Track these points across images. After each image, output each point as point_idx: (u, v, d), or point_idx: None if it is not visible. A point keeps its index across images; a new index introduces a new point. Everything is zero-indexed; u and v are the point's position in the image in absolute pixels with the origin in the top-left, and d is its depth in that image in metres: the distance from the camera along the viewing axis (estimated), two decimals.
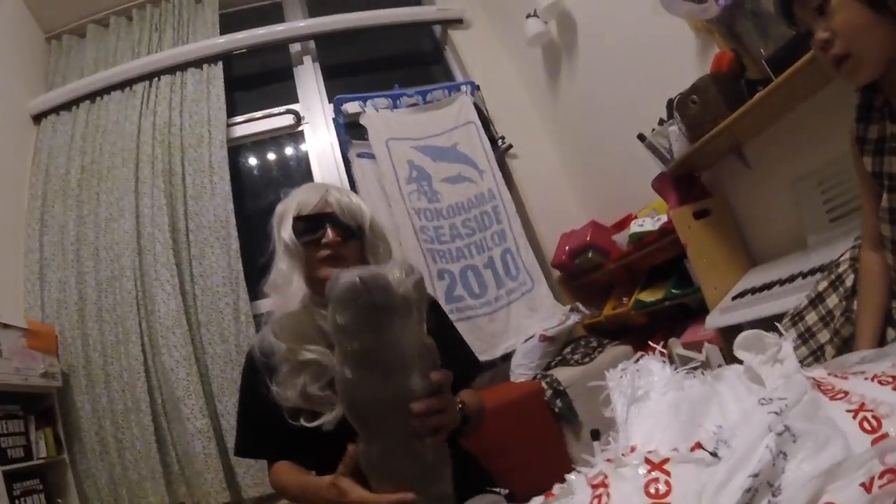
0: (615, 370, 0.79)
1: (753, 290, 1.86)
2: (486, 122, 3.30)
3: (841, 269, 1.30)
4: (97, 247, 2.89)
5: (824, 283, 1.31)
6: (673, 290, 2.33)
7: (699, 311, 2.13)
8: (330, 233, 1.27)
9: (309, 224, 1.28)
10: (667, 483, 0.57)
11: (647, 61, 2.49)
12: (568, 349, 2.75)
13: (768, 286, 1.79)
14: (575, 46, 2.97)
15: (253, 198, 3.36)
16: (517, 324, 2.91)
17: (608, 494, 0.60)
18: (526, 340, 2.77)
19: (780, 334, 0.79)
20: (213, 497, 2.53)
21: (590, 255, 2.81)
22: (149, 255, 2.83)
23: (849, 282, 1.26)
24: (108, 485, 2.59)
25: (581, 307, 2.90)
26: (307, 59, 3.51)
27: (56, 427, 2.52)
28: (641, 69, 2.53)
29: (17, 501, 2.18)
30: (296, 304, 1.28)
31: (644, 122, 2.37)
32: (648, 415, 0.68)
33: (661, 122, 2.29)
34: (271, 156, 3.50)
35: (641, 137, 2.35)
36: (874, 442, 0.53)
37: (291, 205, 1.31)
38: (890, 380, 0.60)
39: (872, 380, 0.62)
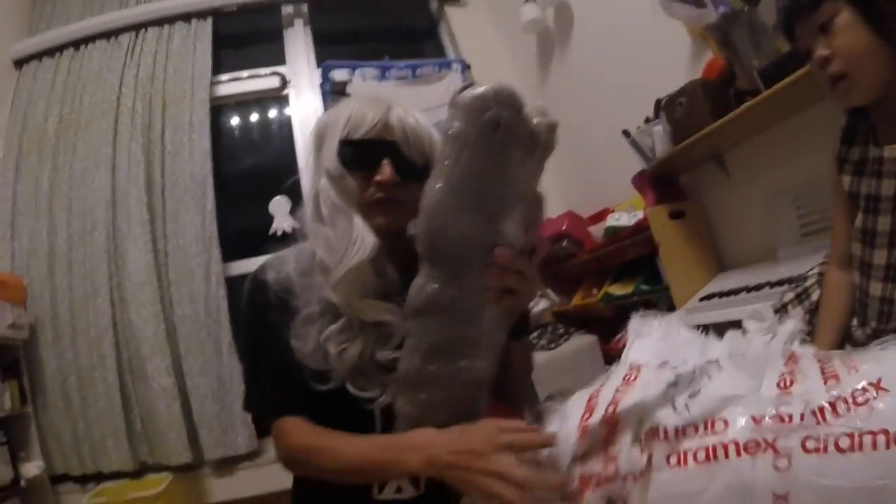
0: (636, 314, 0.92)
1: (721, 294, 1.91)
2: None
3: (808, 284, 1.34)
4: (70, 199, 2.86)
5: (790, 295, 1.35)
6: (642, 286, 2.38)
7: (665, 310, 2.18)
8: (387, 169, 0.96)
9: (360, 152, 0.97)
10: (636, 376, 0.78)
11: (640, 59, 2.49)
12: (535, 335, 2.80)
13: (735, 291, 1.85)
14: (569, 37, 2.96)
15: (232, 159, 3.34)
16: None
17: (606, 380, 0.82)
18: None
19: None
20: (174, 457, 2.56)
21: (564, 243, 2.83)
22: (122, 209, 2.81)
23: (814, 296, 1.30)
24: (71, 441, 2.60)
25: (551, 294, 2.94)
26: (298, 22, 3.48)
27: (21, 380, 2.51)
28: (634, 66, 2.54)
29: None
30: (347, 235, 0.95)
31: (630, 119, 2.38)
32: (644, 344, 0.85)
33: (648, 120, 2.31)
34: (254, 118, 3.48)
35: (626, 133, 2.38)
36: (779, 394, 0.66)
37: (339, 119, 0.99)
38: (826, 361, 0.69)
39: (819, 360, 0.71)
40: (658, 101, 2.21)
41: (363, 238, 0.94)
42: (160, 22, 3.18)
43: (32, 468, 2.42)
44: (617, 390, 0.77)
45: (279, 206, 2.99)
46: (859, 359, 0.67)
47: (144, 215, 2.77)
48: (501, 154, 0.78)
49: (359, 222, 0.96)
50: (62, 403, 2.62)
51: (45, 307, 2.71)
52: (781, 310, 1.33)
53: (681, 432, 0.69)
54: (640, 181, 2.39)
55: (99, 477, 2.57)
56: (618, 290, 2.54)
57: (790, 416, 0.62)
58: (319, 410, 0.95)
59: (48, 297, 2.72)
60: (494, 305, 0.82)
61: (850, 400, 0.60)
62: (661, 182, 2.33)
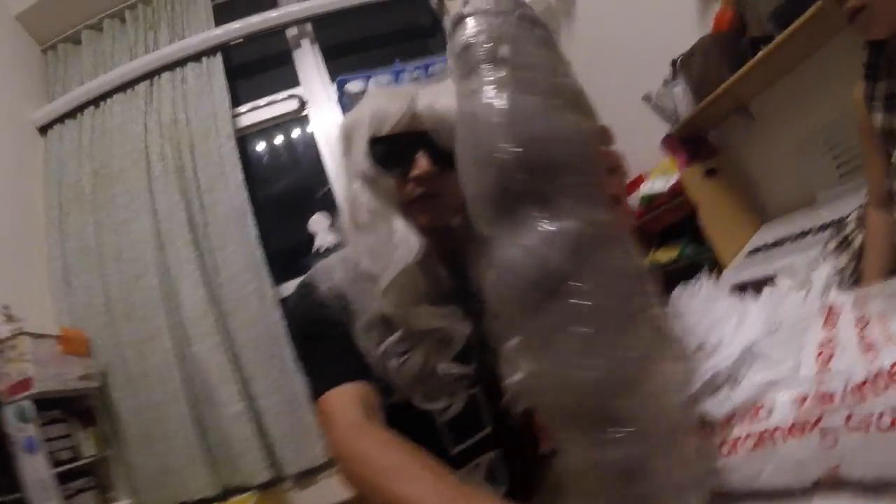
0: (678, 288, 0.91)
1: (765, 247, 1.87)
2: None
3: (848, 230, 1.31)
4: (118, 248, 2.96)
5: (833, 244, 1.33)
6: (687, 250, 2.35)
7: (713, 270, 2.15)
8: (423, 162, 0.88)
9: (391, 148, 0.89)
10: None
11: (647, 22, 2.45)
12: None
13: (780, 243, 1.81)
14: (573, 10, 2.92)
15: (265, 184, 3.41)
16: None
17: None
18: None
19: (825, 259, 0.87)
20: (255, 477, 2.65)
21: None
22: (170, 250, 2.90)
23: (857, 242, 1.27)
24: (155, 475, 2.70)
25: None
26: (305, 42, 3.52)
27: (99, 425, 2.63)
28: (642, 30, 2.49)
29: (69, 501, 2.28)
30: (389, 240, 0.88)
31: (649, 83, 2.34)
32: (679, 326, 0.83)
33: (666, 82, 2.27)
34: (279, 141, 3.54)
35: (647, 98, 2.34)
36: (819, 372, 0.64)
37: (363, 118, 0.90)
38: (862, 322, 0.67)
39: (857, 322, 0.68)
40: (673, 62, 2.17)
41: (407, 240, 0.87)
42: (172, 66, 3.26)
43: None
44: None
45: (319, 223, 3.06)
46: (892, 320, 0.66)
47: (192, 253, 2.87)
48: (551, 47, 0.70)
49: (399, 224, 0.88)
50: (142, 441, 2.74)
51: (111, 354, 2.83)
52: (826, 258, 1.30)
53: (727, 421, 0.70)
54: (669, 144, 2.35)
55: None
56: (663, 256, 2.50)
57: (831, 395, 0.61)
58: (386, 411, 0.82)
59: (112, 344, 2.84)
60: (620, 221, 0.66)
61: (887, 376, 0.60)
62: (689, 142, 2.29)
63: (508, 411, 0.75)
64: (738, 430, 0.69)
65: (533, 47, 0.67)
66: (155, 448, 2.72)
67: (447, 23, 0.73)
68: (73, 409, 2.54)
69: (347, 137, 0.94)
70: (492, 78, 0.64)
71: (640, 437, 0.59)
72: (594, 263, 0.59)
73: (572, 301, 0.57)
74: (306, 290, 0.93)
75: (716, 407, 0.71)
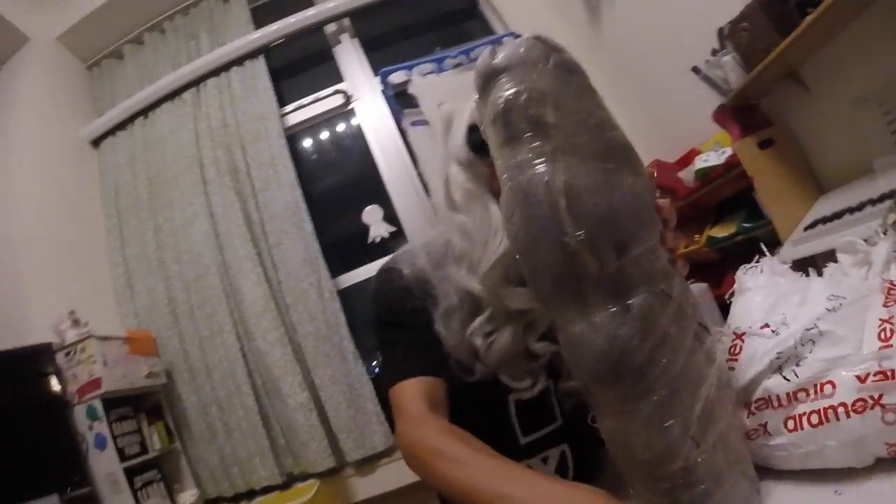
0: (744, 267, 0.92)
1: (824, 220, 1.82)
2: None
3: None
4: (178, 250, 3.08)
5: (893, 216, 1.29)
6: (744, 224, 2.29)
7: (771, 245, 2.10)
8: None
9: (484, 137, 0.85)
10: (740, 347, 0.79)
11: None
12: None
13: (838, 215, 1.75)
14: None
15: (317, 179, 3.48)
16: None
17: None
18: None
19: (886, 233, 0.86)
20: (319, 464, 2.74)
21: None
22: (229, 250, 3.00)
23: None
24: (220, 465, 2.83)
25: None
26: (345, 38, 3.55)
27: (166, 420, 2.76)
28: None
29: (138, 493, 2.41)
30: (487, 224, 0.89)
31: (697, 55, 2.30)
32: (745, 303, 0.87)
33: (714, 52, 2.22)
34: (327, 136, 3.59)
35: (696, 70, 2.30)
36: (881, 348, 0.65)
37: (467, 105, 0.92)
38: None
39: None
40: (720, 31, 2.12)
41: (486, 218, 0.89)
42: (216, 72, 3.34)
43: (188, 497, 2.68)
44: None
45: (372, 214, 3.12)
46: None
47: (250, 251, 2.96)
48: (592, 95, 0.68)
49: (496, 209, 0.88)
50: (207, 433, 2.86)
51: (177, 351, 2.95)
52: (889, 231, 1.26)
53: (792, 397, 0.71)
54: (721, 116, 2.30)
55: (251, 494, 2.80)
56: (720, 231, 2.46)
57: (893, 372, 0.63)
58: (456, 398, 0.89)
59: (177, 342, 2.96)
60: (680, 276, 0.66)
61: None
62: (742, 113, 2.23)
63: (581, 407, 0.74)
64: (803, 407, 0.71)
65: (575, 101, 0.65)
66: (219, 440, 2.83)
67: (476, 75, 0.70)
68: (140, 405, 2.68)
69: (447, 121, 0.96)
70: (540, 148, 0.61)
71: (710, 481, 0.60)
72: (663, 330, 0.59)
73: (645, 373, 0.58)
74: (388, 275, 0.97)
75: (781, 385, 0.72)
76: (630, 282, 0.60)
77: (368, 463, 2.83)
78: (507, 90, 0.64)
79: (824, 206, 1.95)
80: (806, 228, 1.90)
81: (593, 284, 0.59)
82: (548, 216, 0.59)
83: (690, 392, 0.61)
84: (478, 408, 0.88)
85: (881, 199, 1.59)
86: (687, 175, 2.50)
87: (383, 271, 0.99)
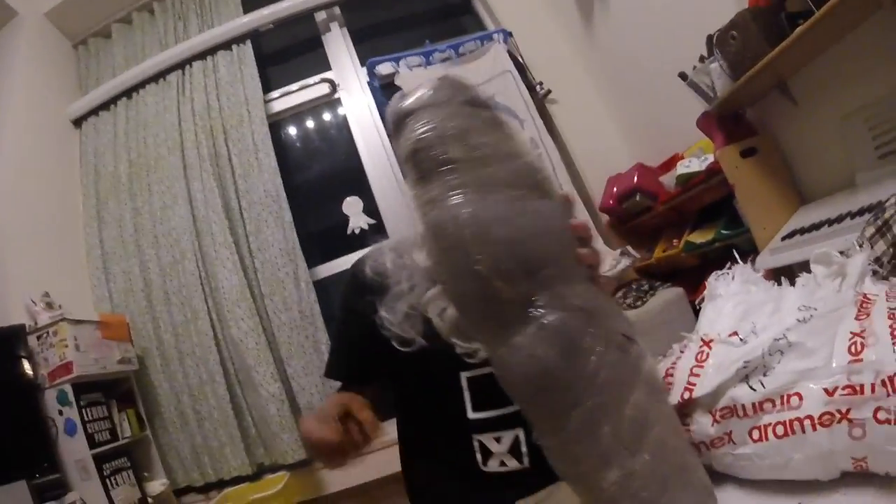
0: (715, 273, 0.93)
1: (802, 231, 1.83)
2: (522, 70, 3.25)
3: (888, 215, 1.27)
4: (156, 234, 3.04)
5: (871, 230, 1.29)
6: (723, 231, 2.31)
7: (749, 252, 2.11)
8: None
9: None
10: (707, 354, 0.79)
11: None
12: (619, 294, 2.77)
13: (816, 226, 1.76)
14: None
15: (299, 169, 3.45)
16: None
17: (682, 352, 0.84)
18: None
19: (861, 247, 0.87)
20: (289, 455, 2.72)
21: (637, 198, 2.77)
22: (206, 236, 2.96)
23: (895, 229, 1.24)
24: (191, 454, 2.80)
25: (631, 251, 2.88)
26: (334, 26, 3.52)
27: (137, 407, 2.72)
28: (678, 5, 2.44)
29: (107, 481, 2.37)
30: None
31: (685, 61, 2.29)
32: (715, 309, 0.88)
33: (702, 59, 2.21)
34: (311, 125, 3.56)
35: (683, 76, 2.29)
36: (850, 362, 0.65)
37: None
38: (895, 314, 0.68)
39: (889, 314, 0.69)
40: (710, 38, 2.11)
41: None
42: (203, 55, 3.30)
43: (157, 486, 2.64)
44: (691, 372, 0.79)
45: (353, 206, 3.09)
46: None
47: (228, 238, 2.92)
48: (498, 127, 0.72)
49: None
50: (178, 421, 2.83)
51: (150, 337, 2.92)
52: (864, 245, 1.26)
53: (758, 407, 0.71)
54: (706, 123, 2.30)
55: (220, 484, 2.77)
56: (699, 237, 2.47)
57: (861, 387, 0.62)
58: (408, 374, 1.00)
59: (151, 327, 2.92)
60: (599, 290, 0.69)
61: None
62: (727, 120, 2.24)
63: None
64: (769, 418, 0.70)
65: (483, 135, 0.68)
66: (190, 428, 2.80)
67: (387, 119, 0.73)
68: (112, 391, 2.64)
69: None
70: (450, 183, 0.64)
71: (654, 487, 0.61)
72: (581, 345, 0.61)
73: (568, 387, 0.60)
74: (353, 270, 1.08)
75: (747, 395, 0.72)
76: (546, 300, 0.61)
77: None
78: (415, 132, 0.67)
79: (804, 217, 1.96)
80: (784, 238, 1.91)
81: (509, 307, 0.61)
82: (457, 248, 0.62)
83: (618, 401, 0.61)
84: (426, 379, 0.98)
85: (861, 212, 1.60)
86: (669, 180, 2.52)
87: (352, 268, 1.09)
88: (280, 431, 2.73)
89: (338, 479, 2.78)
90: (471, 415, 0.97)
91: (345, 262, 3.09)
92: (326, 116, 3.53)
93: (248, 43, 3.30)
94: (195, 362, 2.85)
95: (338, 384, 1.11)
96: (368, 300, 1.00)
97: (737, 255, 0.94)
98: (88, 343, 2.52)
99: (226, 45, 3.30)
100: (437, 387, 0.99)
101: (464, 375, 0.98)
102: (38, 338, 2.46)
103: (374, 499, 2.58)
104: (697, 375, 0.76)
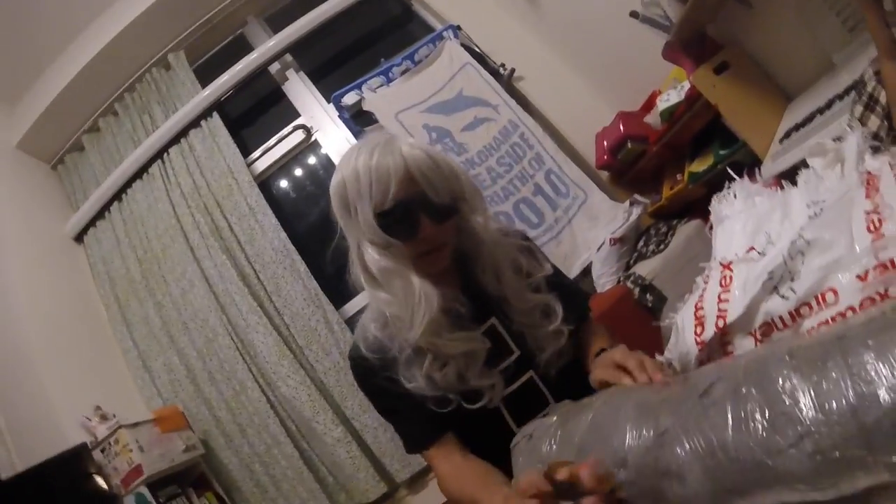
0: (716, 196, 0.93)
1: (797, 127, 1.81)
2: (481, 58, 3.25)
3: (870, 88, 1.25)
4: (184, 321, 3.07)
5: (859, 108, 1.27)
6: (721, 152, 2.28)
7: (753, 165, 2.09)
8: (427, 227, 1.00)
9: (397, 218, 1.00)
10: (730, 277, 0.79)
11: None
12: (641, 243, 2.76)
13: (809, 119, 1.75)
14: None
15: (300, 216, 3.48)
16: (583, 237, 2.92)
17: (706, 283, 0.85)
18: (598, 249, 2.79)
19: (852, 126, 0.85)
20: (371, 493, 2.73)
21: (629, 145, 2.76)
22: (231, 308, 2.99)
23: (883, 99, 1.22)
24: None
25: (639, 198, 2.88)
26: (290, 73, 3.54)
27: (214, 488, 2.74)
28: None
29: None
30: (411, 297, 1.02)
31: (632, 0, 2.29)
32: (725, 231, 0.87)
33: None
34: (299, 173, 3.59)
35: (634, 14, 2.30)
36: (874, 241, 0.63)
37: (362, 188, 0.99)
38: None
39: None
40: None
41: (426, 297, 1.01)
42: (176, 139, 3.33)
43: None
44: (719, 299, 0.78)
45: None
46: None
47: (252, 303, 2.94)
48: None
49: (416, 281, 1.02)
50: (257, 491, 2.84)
51: (207, 419, 2.95)
52: (855, 124, 1.25)
53: (796, 315, 0.70)
54: (671, 52, 2.29)
55: None
56: (700, 166, 2.45)
57: (892, 261, 0.61)
58: (459, 428, 1.09)
59: (205, 409, 2.95)
60: None
61: None
62: (691, 44, 2.22)
63: (565, 381, 0.94)
64: (809, 322, 0.68)
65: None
66: (270, 494, 2.81)
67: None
68: (186, 479, 2.66)
69: (345, 202, 1.04)
70: None
71: None
72: None
73: None
74: (354, 363, 1.14)
75: (780, 305, 0.70)
76: None
77: (419, 479, 2.82)
78: None
79: (795, 114, 1.95)
80: (781, 140, 1.89)
81: None
82: None
83: None
84: (480, 426, 1.07)
85: (847, 91, 1.59)
86: (653, 119, 2.51)
87: (350, 360, 1.15)
88: (355, 472, 2.74)
89: (423, 500, 2.80)
90: (517, 430, 1.00)
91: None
92: (311, 160, 3.55)
93: (215, 114, 3.32)
94: (256, 430, 2.87)
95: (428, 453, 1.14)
96: (384, 377, 1.06)
97: (731, 173, 0.93)
98: (150, 441, 2.55)
99: (194, 123, 3.33)
100: (482, 421, 1.06)
101: (502, 406, 1.08)
102: (102, 451, 2.49)
103: None
104: (726, 301, 0.76)
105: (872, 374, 0.46)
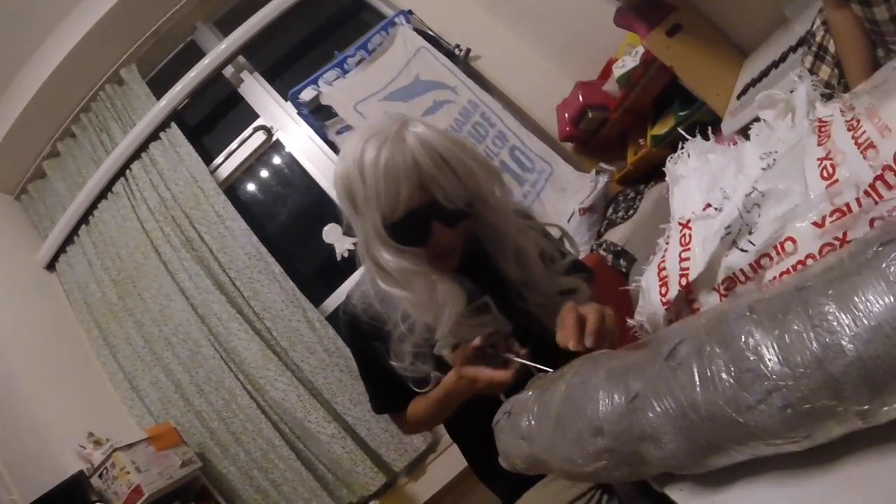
0: (670, 158, 0.94)
1: (753, 83, 1.83)
2: (435, 41, 3.23)
3: (819, 38, 1.27)
4: (165, 337, 3.05)
5: (810, 58, 1.29)
6: (681, 114, 2.31)
7: (715, 123, 2.11)
8: (440, 237, 1.00)
9: (408, 228, 0.98)
10: (689, 235, 0.79)
11: None
12: (610, 210, 2.78)
13: (765, 73, 1.77)
14: None
15: (270, 217, 3.47)
16: (553, 210, 2.92)
17: (667, 243, 0.84)
18: (568, 220, 2.80)
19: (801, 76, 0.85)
20: (371, 485, 2.74)
21: (590, 115, 2.77)
22: (211, 318, 2.97)
23: (832, 47, 1.24)
24: None
25: (605, 166, 2.89)
26: (245, 75, 3.50)
27: (216, 499, 2.73)
28: None
29: None
30: (435, 299, 1.02)
31: None
32: (682, 190, 0.87)
33: None
34: (265, 174, 3.56)
35: None
36: (828, 187, 0.63)
37: (370, 193, 0.95)
38: (854, 124, 0.66)
39: (848, 127, 0.67)
40: None
41: (451, 298, 1.01)
42: (136, 155, 3.29)
43: None
44: (680, 258, 0.79)
45: (332, 233, 3.09)
46: (882, 109, 0.64)
47: (231, 311, 2.92)
48: None
49: (438, 282, 1.01)
50: (259, 497, 2.84)
51: (201, 432, 2.93)
52: (804, 74, 1.26)
53: (756, 266, 0.70)
54: (623, 18, 2.30)
55: None
56: (661, 128, 2.48)
57: (848, 206, 0.62)
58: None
59: (197, 423, 2.94)
60: None
61: (895, 166, 0.59)
62: (642, 8, 2.22)
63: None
64: (771, 272, 0.69)
65: None
66: (272, 499, 2.81)
67: None
68: (187, 494, 2.65)
69: (352, 203, 1.01)
70: None
71: None
72: None
73: None
74: (347, 317, 1.17)
75: (741, 258, 0.71)
76: None
77: (417, 466, 2.84)
78: None
79: (751, 69, 1.97)
80: (739, 96, 1.91)
81: None
82: None
83: None
84: (475, 401, 1.06)
85: (800, 43, 1.60)
86: (611, 86, 2.52)
87: (343, 314, 1.19)
88: (354, 466, 2.75)
89: (425, 486, 2.82)
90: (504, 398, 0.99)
91: (347, 288, 3.09)
92: (275, 160, 3.53)
93: (173, 125, 3.28)
94: (250, 437, 2.86)
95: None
96: (375, 346, 1.10)
97: (684, 134, 0.93)
98: (147, 461, 2.53)
99: (154, 136, 3.28)
100: (478, 398, 1.06)
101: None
102: (100, 476, 2.48)
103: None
104: (688, 259, 0.76)
105: (835, 324, 0.46)
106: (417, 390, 1.09)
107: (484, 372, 0.97)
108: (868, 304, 0.45)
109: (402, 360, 1.07)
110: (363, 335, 1.12)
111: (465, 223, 1.03)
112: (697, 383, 0.55)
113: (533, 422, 0.76)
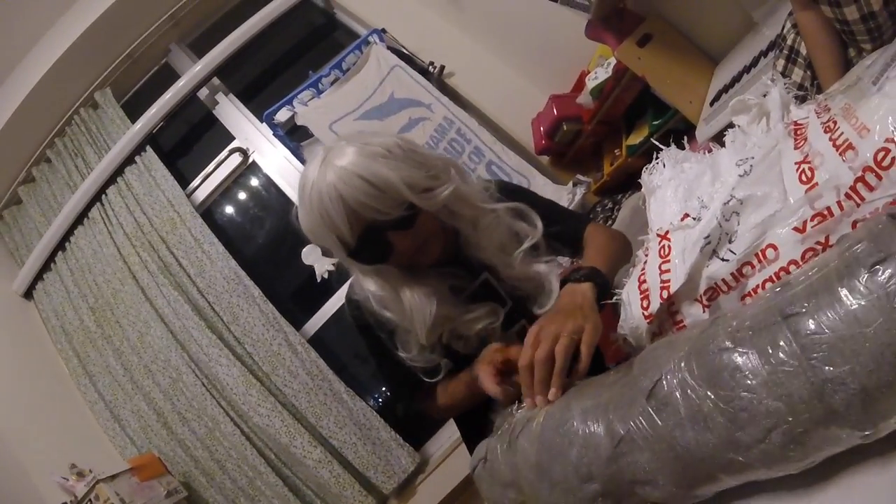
0: (645, 169, 0.92)
1: (725, 89, 1.84)
2: (409, 59, 3.24)
3: (790, 41, 1.28)
4: (145, 364, 2.99)
5: (781, 62, 1.30)
6: (654, 123, 2.32)
7: (689, 131, 2.12)
8: (399, 242, 1.03)
9: (367, 250, 1.03)
10: (668, 247, 0.77)
11: None
12: None
13: (737, 78, 1.78)
14: None
15: (248, 240, 3.45)
16: None
17: (647, 255, 0.83)
18: None
19: (773, 80, 0.85)
20: None
21: (564, 127, 2.79)
22: (191, 344, 2.93)
23: (803, 50, 1.25)
24: None
25: (582, 178, 2.90)
26: (220, 97, 3.48)
27: None
28: None
29: None
30: (408, 312, 1.08)
31: None
32: (658, 201, 0.86)
33: None
34: (242, 197, 3.54)
35: None
36: (808, 191, 0.62)
37: (320, 236, 1.02)
38: (831, 126, 0.65)
39: (824, 129, 0.66)
40: None
41: (420, 305, 1.06)
42: (112, 179, 3.25)
43: None
44: (660, 269, 0.78)
45: (311, 254, 3.06)
46: (859, 109, 0.63)
47: (211, 336, 2.88)
48: None
49: (405, 296, 1.07)
50: None
51: (185, 461, 2.88)
52: (776, 77, 1.27)
53: (738, 275, 0.69)
54: (594, 30, 2.30)
55: None
56: (636, 138, 2.50)
57: (829, 209, 0.61)
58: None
59: (181, 451, 2.88)
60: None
61: (875, 167, 0.58)
62: (611, 20, 2.24)
63: None
64: (753, 281, 0.68)
65: None
66: None
67: None
68: None
69: (318, 243, 1.10)
70: None
71: None
72: None
73: None
74: (353, 309, 1.19)
75: (722, 268, 0.70)
76: None
77: (407, 487, 2.79)
78: None
79: (722, 76, 1.98)
80: (712, 103, 1.93)
81: None
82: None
83: None
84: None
85: (771, 47, 1.61)
86: (585, 98, 2.53)
87: (347, 304, 1.22)
88: (342, 490, 2.70)
89: None
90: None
91: (330, 309, 3.09)
92: (252, 182, 3.51)
93: (148, 148, 3.25)
94: (235, 464, 2.81)
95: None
96: (381, 336, 1.14)
97: (658, 144, 0.93)
98: (131, 492, 2.50)
99: (129, 160, 3.25)
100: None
101: None
102: None
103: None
104: (668, 271, 0.74)
105: (829, 353, 0.46)
106: (427, 380, 1.13)
107: (486, 381, 0.98)
108: (864, 328, 0.44)
109: (409, 350, 1.11)
110: (368, 326, 1.16)
111: (422, 219, 1.04)
112: (687, 425, 0.54)
113: (513, 469, 0.75)
